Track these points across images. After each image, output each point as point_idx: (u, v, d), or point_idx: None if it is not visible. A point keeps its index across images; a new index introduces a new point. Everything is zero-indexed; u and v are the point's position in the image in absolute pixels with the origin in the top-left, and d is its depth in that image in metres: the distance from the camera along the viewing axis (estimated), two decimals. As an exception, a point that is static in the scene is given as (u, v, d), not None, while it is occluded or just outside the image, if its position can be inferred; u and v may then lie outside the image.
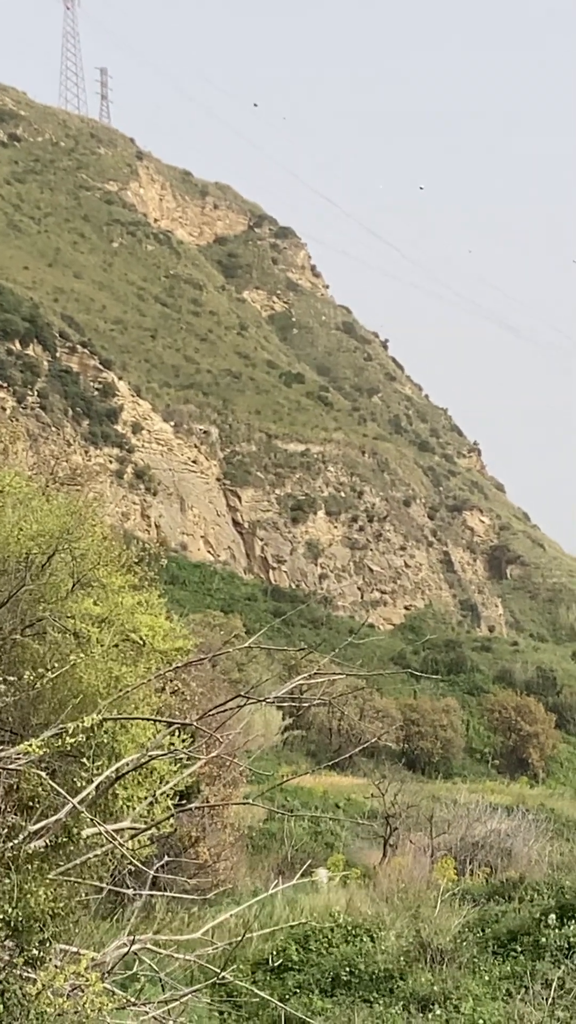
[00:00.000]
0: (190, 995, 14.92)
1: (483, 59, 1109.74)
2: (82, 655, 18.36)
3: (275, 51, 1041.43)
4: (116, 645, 20.01)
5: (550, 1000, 20.22)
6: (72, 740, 14.03)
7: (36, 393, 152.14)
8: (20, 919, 12.83)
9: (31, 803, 14.63)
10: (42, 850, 13.95)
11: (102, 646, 18.98)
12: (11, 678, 17.31)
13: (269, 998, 17.06)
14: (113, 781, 16.07)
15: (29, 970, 12.79)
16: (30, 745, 13.99)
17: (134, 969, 15.08)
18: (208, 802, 29.62)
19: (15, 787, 14.87)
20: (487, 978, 22.67)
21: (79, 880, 14.63)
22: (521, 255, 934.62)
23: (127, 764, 16.03)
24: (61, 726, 14.28)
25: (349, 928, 25.71)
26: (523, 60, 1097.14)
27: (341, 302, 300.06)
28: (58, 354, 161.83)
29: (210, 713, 16.35)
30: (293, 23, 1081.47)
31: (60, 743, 13.93)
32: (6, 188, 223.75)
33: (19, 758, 14.46)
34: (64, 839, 14.14)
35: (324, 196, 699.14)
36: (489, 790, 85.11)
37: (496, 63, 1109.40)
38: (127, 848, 14.88)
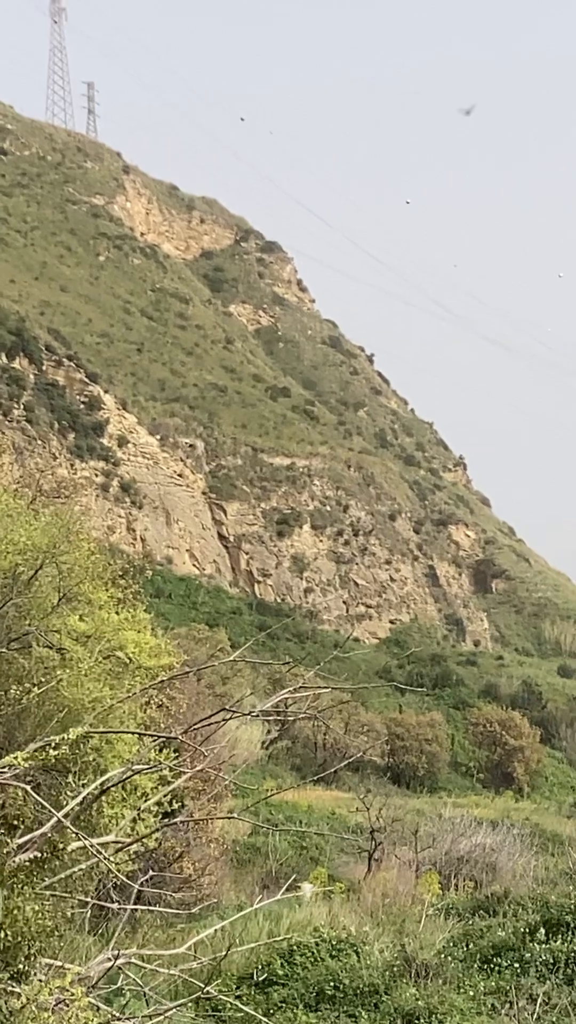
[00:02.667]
0: (174, 1009, 14.93)
1: (475, 70, 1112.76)
2: (67, 671, 18.38)
3: (262, 66, 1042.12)
4: (100, 663, 20.01)
5: (535, 1015, 20.25)
6: (56, 753, 14.04)
7: (22, 406, 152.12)
8: (5, 934, 12.84)
9: (16, 819, 14.63)
10: (27, 865, 13.96)
11: (87, 664, 18.99)
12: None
13: (254, 1013, 17.08)
14: (98, 796, 16.08)
15: (14, 984, 12.80)
16: (15, 758, 14.00)
17: (119, 983, 15.09)
18: (193, 816, 29.59)
19: (0, 802, 14.88)
20: (472, 993, 22.69)
21: (64, 894, 14.65)
22: (506, 269, 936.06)
23: (112, 779, 16.04)
24: (46, 739, 14.28)
25: (334, 942, 25.70)
26: (515, 71, 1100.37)
27: (327, 316, 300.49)
28: (44, 367, 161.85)
29: (195, 727, 16.38)
30: (280, 39, 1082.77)
31: (44, 756, 13.94)
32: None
33: (3, 771, 14.48)
34: (49, 854, 14.15)
35: (310, 210, 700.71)
36: (474, 804, 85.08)
37: (488, 74, 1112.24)
38: (112, 862, 14.89)
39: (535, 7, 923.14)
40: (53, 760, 14.85)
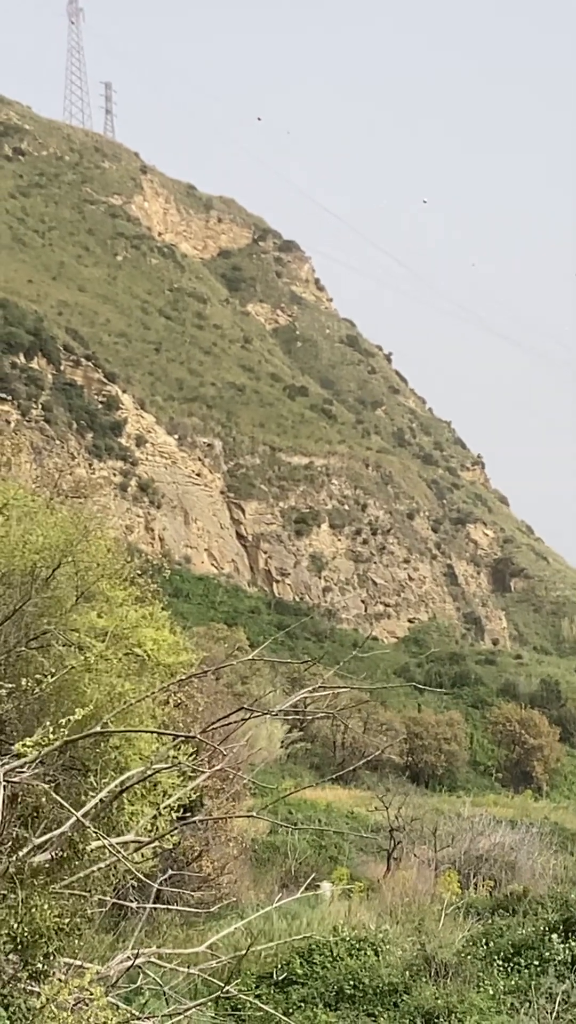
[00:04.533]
0: (194, 1009, 14.90)
1: (492, 67, 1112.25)
2: (83, 662, 18.34)
3: (279, 65, 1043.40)
4: (120, 659, 19.99)
5: (555, 1014, 20.18)
6: (63, 738, 13.97)
7: (40, 406, 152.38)
8: (25, 933, 12.83)
9: (35, 816, 14.63)
10: (47, 864, 13.95)
11: (107, 661, 18.96)
12: (9, 685, 17.31)
13: (273, 1012, 17.04)
14: (117, 794, 16.06)
15: (33, 984, 12.79)
16: (24, 744, 13.96)
17: (138, 983, 15.07)
18: (211, 815, 29.57)
19: (19, 799, 14.86)
20: (491, 992, 22.62)
21: (83, 894, 14.63)
22: (524, 269, 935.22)
23: (131, 777, 16.01)
24: (53, 725, 14.18)
25: (353, 942, 25.65)
26: (531, 67, 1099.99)
27: (345, 315, 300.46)
28: (62, 367, 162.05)
29: (213, 726, 16.34)
30: (298, 38, 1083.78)
31: (51, 741, 13.86)
32: (11, 202, 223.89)
33: (22, 770, 14.45)
34: (69, 853, 14.13)
35: (328, 209, 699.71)
36: (493, 803, 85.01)
37: (504, 71, 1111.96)
38: (131, 861, 14.87)
39: (550, 7, 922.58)
40: (68, 751, 14.82)
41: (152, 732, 18.47)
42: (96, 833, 14.10)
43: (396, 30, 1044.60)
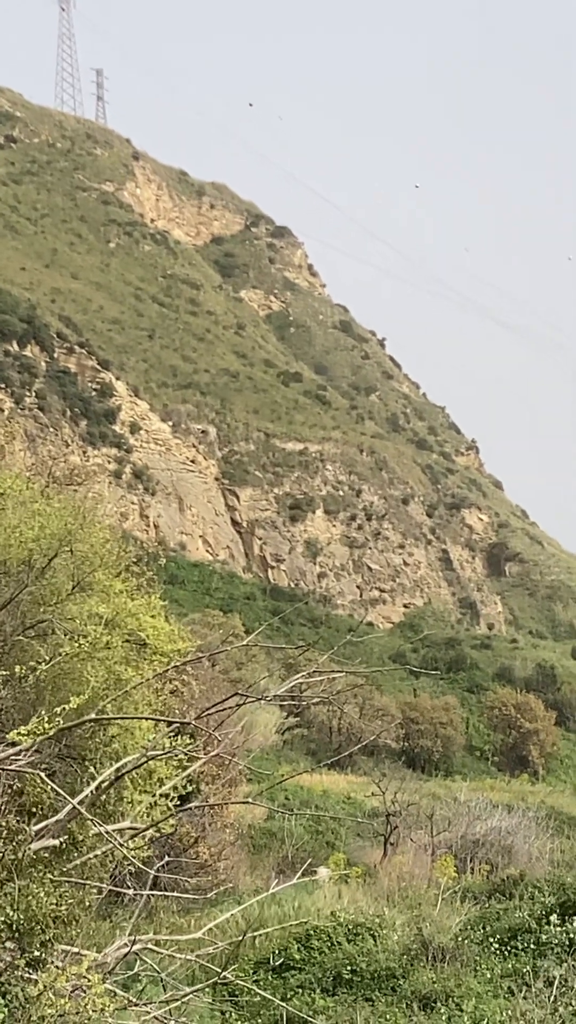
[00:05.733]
0: (191, 995, 14.94)
1: (483, 54, 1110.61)
2: (79, 648, 18.34)
3: (269, 50, 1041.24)
4: (120, 645, 20.02)
5: (552, 998, 20.23)
6: (58, 725, 13.99)
7: (34, 394, 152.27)
8: (22, 921, 12.85)
9: (33, 807, 14.66)
10: (43, 852, 13.97)
11: (108, 648, 18.97)
12: (4, 673, 17.32)
13: (271, 997, 17.10)
14: (113, 782, 16.08)
15: (31, 971, 12.82)
16: (18, 733, 13.98)
17: (135, 969, 15.11)
18: (208, 801, 29.61)
19: (16, 789, 14.87)
20: (489, 976, 22.67)
21: (80, 881, 14.65)
22: (516, 253, 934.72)
23: (127, 764, 16.04)
24: (49, 713, 14.19)
25: (350, 927, 25.70)
26: (523, 54, 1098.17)
27: (338, 301, 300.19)
28: (56, 355, 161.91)
29: (208, 712, 16.36)
30: (288, 22, 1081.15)
31: (46, 729, 13.87)
32: (3, 189, 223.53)
33: (18, 757, 14.47)
34: (65, 840, 14.15)
35: (320, 195, 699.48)
36: (489, 788, 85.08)
37: (496, 57, 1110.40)
38: (128, 849, 14.89)
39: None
40: (64, 740, 14.82)
41: (147, 719, 18.50)
42: (92, 821, 14.12)
43: (386, 20, 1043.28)
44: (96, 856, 15.03)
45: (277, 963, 23.86)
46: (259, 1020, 20.41)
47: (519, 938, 24.81)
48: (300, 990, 22.63)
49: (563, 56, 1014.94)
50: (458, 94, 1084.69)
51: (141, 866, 14.85)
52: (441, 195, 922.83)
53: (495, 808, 54.88)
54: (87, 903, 15.50)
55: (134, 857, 14.74)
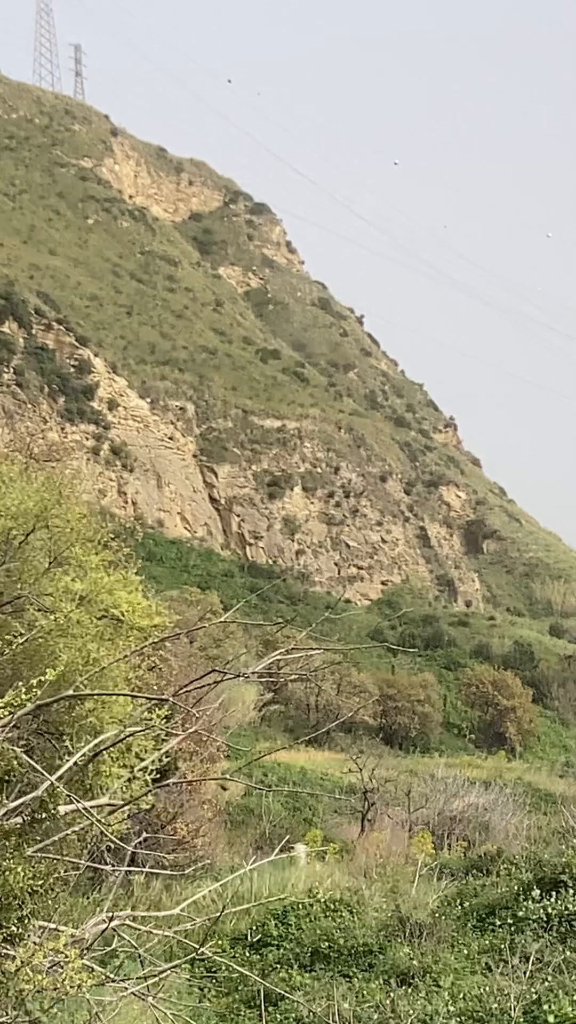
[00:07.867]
0: (169, 971, 14.91)
1: (465, 32, 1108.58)
2: (54, 623, 18.28)
3: (249, 25, 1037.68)
4: (94, 622, 19.96)
5: (528, 973, 20.29)
6: (35, 700, 13.92)
7: (12, 370, 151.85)
8: (-1, 896, 12.81)
9: (8, 779, 14.58)
10: (19, 827, 13.91)
11: (81, 625, 18.91)
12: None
13: (248, 973, 17.11)
14: (91, 758, 16.03)
15: (8, 947, 12.77)
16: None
17: (113, 945, 15.07)
18: (186, 778, 29.60)
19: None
20: (466, 952, 22.75)
21: (57, 857, 14.61)
22: (496, 231, 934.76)
23: (104, 741, 15.99)
24: (21, 689, 14.11)
25: (328, 903, 25.75)
26: (509, 34, 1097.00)
27: (316, 278, 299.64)
28: (34, 331, 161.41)
29: (186, 689, 16.31)
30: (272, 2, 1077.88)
31: (22, 703, 13.80)
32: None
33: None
34: (42, 816, 14.10)
35: (298, 171, 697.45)
36: (466, 764, 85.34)
37: (479, 36, 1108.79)
38: (105, 824, 14.85)
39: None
40: (40, 715, 14.76)
41: (125, 695, 18.44)
42: (70, 796, 14.07)
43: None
44: (74, 832, 14.97)
45: (255, 939, 23.91)
46: (237, 996, 20.45)
47: (496, 914, 24.90)
48: (277, 966, 22.68)
49: (543, 29, 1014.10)
50: (440, 72, 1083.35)
51: (119, 842, 14.81)
52: (421, 171, 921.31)
53: (472, 785, 55.09)
54: (65, 879, 15.46)
55: (112, 833, 14.70)
